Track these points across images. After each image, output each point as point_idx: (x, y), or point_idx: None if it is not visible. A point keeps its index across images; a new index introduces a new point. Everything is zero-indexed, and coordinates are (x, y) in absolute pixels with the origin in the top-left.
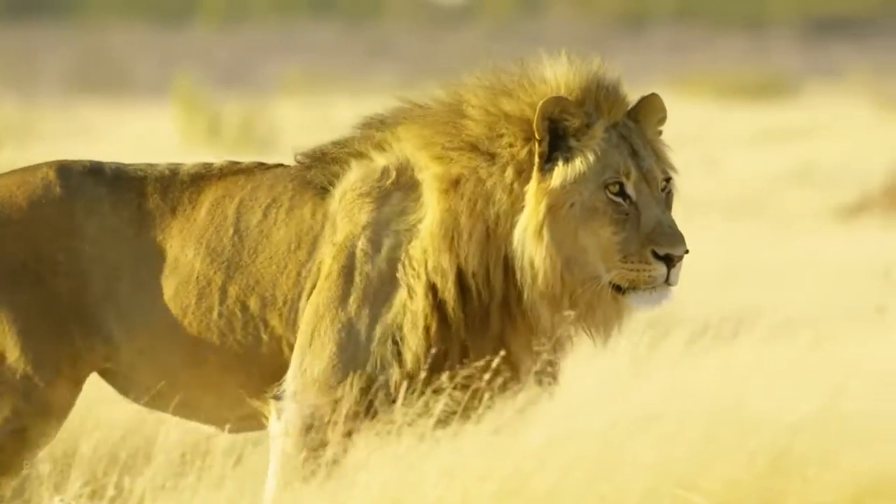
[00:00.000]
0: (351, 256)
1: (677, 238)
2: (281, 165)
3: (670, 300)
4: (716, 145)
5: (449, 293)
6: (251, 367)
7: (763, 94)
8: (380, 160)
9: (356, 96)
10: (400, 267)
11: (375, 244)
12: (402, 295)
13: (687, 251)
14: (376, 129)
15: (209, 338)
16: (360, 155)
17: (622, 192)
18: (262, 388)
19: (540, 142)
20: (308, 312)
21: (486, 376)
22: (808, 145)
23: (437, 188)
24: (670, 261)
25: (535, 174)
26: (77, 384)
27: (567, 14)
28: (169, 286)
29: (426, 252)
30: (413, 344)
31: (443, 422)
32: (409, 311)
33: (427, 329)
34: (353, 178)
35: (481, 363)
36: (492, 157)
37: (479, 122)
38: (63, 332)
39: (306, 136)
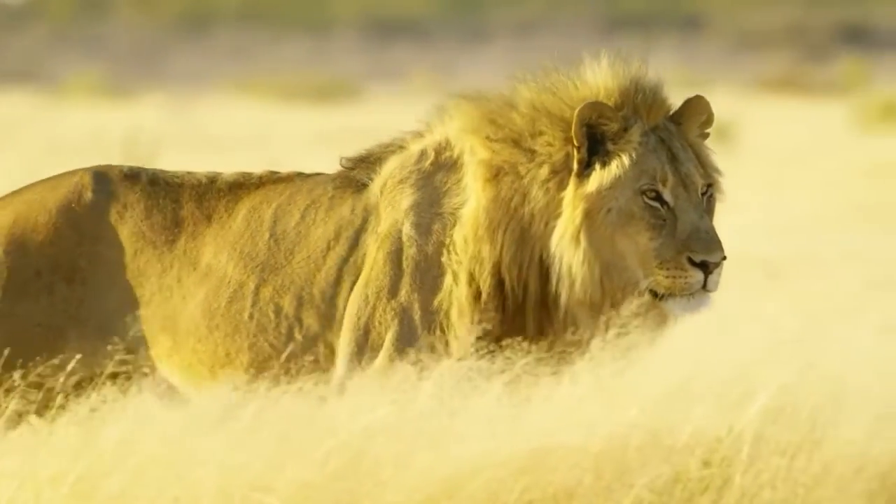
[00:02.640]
0: (397, 241)
1: (714, 244)
2: (321, 174)
3: (709, 306)
4: (279, 147)
5: (484, 283)
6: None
7: (326, 96)
8: (416, 146)
9: None
10: (445, 252)
11: (420, 227)
12: (448, 280)
13: (724, 257)
14: (424, 123)
15: (238, 339)
16: (399, 149)
17: (659, 198)
18: None
19: (579, 148)
20: (355, 303)
21: (61, 377)
22: None
23: (482, 176)
24: (706, 267)
25: (572, 179)
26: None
27: (131, 16)
28: (199, 291)
29: (467, 239)
30: (460, 332)
31: (15, 421)
32: (455, 297)
33: (472, 317)
34: (390, 167)
35: (56, 361)
36: (532, 154)
37: (525, 117)
38: (56, 342)
39: None
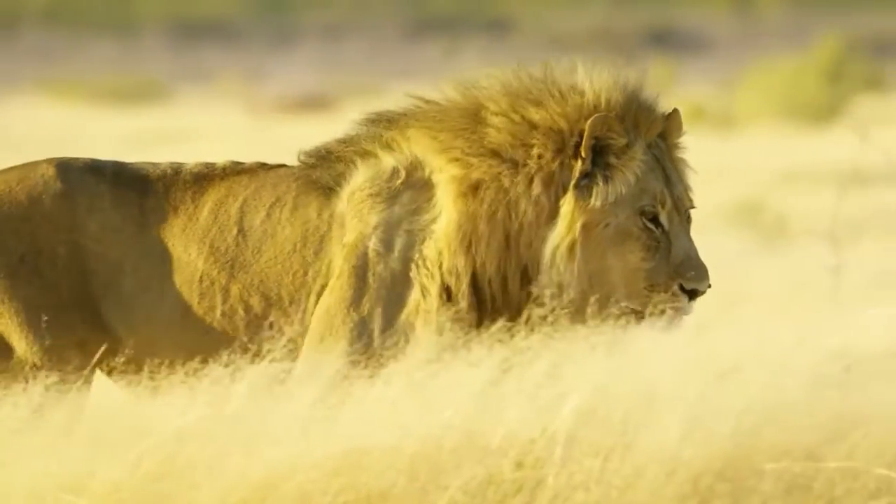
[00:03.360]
0: (363, 257)
1: (704, 273)
2: (284, 165)
3: (679, 329)
4: (86, 150)
5: (463, 295)
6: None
7: (134, 98)
8: (388, 160)
9: None
10: (413, 266)
11: (387, 244)
12: (415, 294)
13: (710, 286)
14: (384, 127)
15: (213, 335)
16: (366, 154)
17: (655, 220)
18: None
19: (584, 160)
20: (318, 313)
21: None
22: (181, 149)
23: (455, 190)
24: (694, 295)
25: (571, 191)
26: (88, 372)
27: None
28: (172, 284)
29: (441, 253)
30: (424, 340)
31: None
32: (422, 310)
33: (436, 324)
34: (361, 178)
35: None
36: (515, 165)
37: (502, 130)
38: (66, 323)
39: None
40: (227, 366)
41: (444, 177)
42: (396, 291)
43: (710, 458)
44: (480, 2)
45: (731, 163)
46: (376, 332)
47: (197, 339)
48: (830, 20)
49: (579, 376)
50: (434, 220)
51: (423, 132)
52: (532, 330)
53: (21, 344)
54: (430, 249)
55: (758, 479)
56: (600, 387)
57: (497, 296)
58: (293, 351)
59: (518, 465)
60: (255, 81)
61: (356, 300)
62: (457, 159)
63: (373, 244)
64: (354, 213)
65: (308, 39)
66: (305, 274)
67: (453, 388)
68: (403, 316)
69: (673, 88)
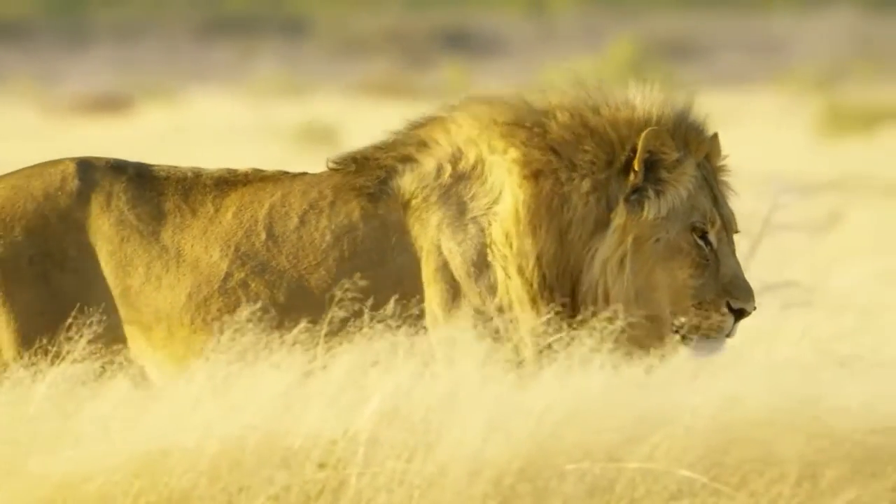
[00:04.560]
0: (439, 257)
1: (751, 294)
2: (307, 173)
3: (722, 352)
4: None
5: (532, 276)
6: None
7: None
8: (428, 160)
9: None
10: (489, 252)
11: (457, 237)
12: (500, 276)
13: (755, 307)
14: (418, 127)
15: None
16: (405, 158)
17: (705, 238)
18: None
19: (636, 173)
20: (432, 326)
21: None
22: None
23: (520, 173)
24: (741, 315)
25: (622, 204)
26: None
27: None
28: (186, 283)
29: (509, 235)
30: (529, 320)
31: None
32: (513, 290)
33: (534, 301)
34: (408, 185)
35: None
36: (572, 164)
37: (565, 129)
38: (61, 329)
39: None
40: (28, 367)
41: (506, 158)
42: (484, 278)
43: (512, 458)
44: (275, 2)
45: None
46: (490, 317)
47: (209, 338)
48: (624, 23)
49: (381, 378)
50: (495, 202)
51: (478, 119)
52: (334, 332)
53: (10, 349)
54: (497, 231)
55: (560, 479)
56: (402, 388)
57: (555, 283)
58: (94, 353)
59: (321, 466)
60: (49, 82)
61: (454, 300)
62: (519, 146)
63: (443, 243)
64: (416, 221)
65: (102, 40)
66: (373, 280)
67: (256, 389)
68: (498, 299)
69: (468, 90)
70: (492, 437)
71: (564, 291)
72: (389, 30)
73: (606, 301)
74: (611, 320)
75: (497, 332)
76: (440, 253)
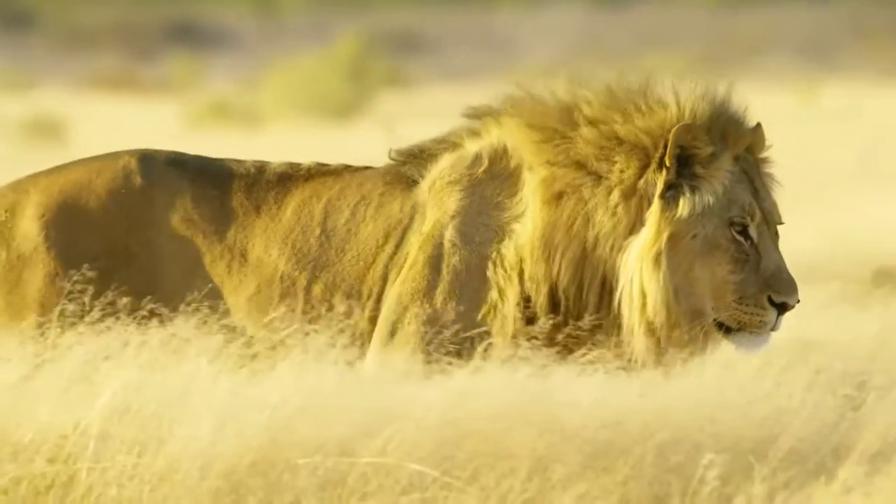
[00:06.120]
0: (438, 247)
1: (794, 287)
2: (370, 168)
3: (767, 346)
4: None
5: (541, 307)
6: None
7: None
8: (472, 147)
9: None
10: (490, 265)
11: (465, 236)
12: (493, 294)
13: (798, 301)
14: (477, 117)
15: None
16: (455, 146)
17: (744, 232)
18: None
19: (668, 170)
20: (390, 302)
21: None
22: None
23: (542, 197)
24: (784, 308)
25: (656, 201)
26: None
27: None
28: (250, 284)
29: (523, 261)
30: (500, 346)
31: None
32: (501, 314)
33: (514, 336)
34: (442, 165)
35: None
36: (598, 178)
37: (590, 142)
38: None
39: None
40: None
41: (535, 178)
42: (472, 287)
43: (244, 452)
44: None
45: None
46: (448, 326)
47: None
48: (351, 18)
49: (112, 373)
50: (516, 219)
51: (518, 121)
52: (64, 327)
53: None
54: (508, 250)
55: (292, 473)
56: (133, 383)
57: (572, 308)
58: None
59: (50, 460)
60: None
61: (429, 291)
62: (545, 164)
63: (449, 234)
64: (434, 201)
65: None
66: (386, 267)
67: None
68: (479, 316)
69: (197, 84)
70: (223, 431)
71: (591, 308)
72: (116, 23)
73: (643, 299)
74: (347, 315)
75: (433, 342)
76: (441, 242)
